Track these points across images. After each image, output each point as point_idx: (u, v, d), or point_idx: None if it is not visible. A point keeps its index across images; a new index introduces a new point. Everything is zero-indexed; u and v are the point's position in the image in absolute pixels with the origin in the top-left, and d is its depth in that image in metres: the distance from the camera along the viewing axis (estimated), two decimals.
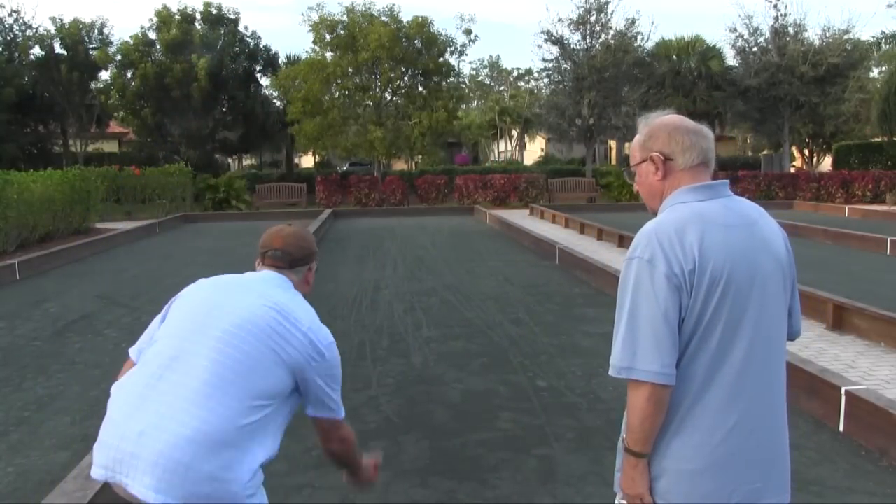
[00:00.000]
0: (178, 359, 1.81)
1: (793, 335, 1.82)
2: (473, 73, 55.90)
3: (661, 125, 1.76)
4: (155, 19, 25.29)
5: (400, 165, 32.70)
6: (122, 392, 1.84)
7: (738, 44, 25.31)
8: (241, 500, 1.75)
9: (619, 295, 1.66)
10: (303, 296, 2.07)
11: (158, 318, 2.00)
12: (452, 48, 24.45)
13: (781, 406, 1.70)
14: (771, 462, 1.66)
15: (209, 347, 1.80)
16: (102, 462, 1.77)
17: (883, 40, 27.02)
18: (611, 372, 1.63)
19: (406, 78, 24.38)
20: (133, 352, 1.99)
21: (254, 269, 2.12)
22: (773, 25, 24.57)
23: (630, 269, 1.63)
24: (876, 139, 28.78)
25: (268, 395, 1.81)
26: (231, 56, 26.15)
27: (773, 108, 24.72)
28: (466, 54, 56.63)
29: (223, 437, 1.72)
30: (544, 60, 25.83)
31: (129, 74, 24.66)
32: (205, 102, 24.64)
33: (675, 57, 26.25)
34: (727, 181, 1.75)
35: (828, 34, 24.42)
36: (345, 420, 2.05)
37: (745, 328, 1.61)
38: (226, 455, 1.72)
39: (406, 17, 25.85)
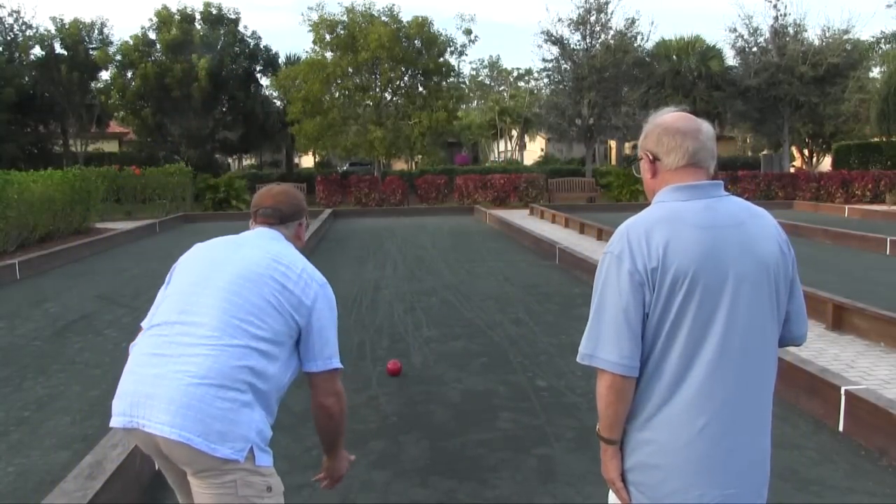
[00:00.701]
0: (186, 312, 1.94)
1: (794, 340, 1.81)
2: (473, 73, 55.94)
3: (654, 125, 1.78)
4: (155, 19, 25.31)
5: (400, 165, 32.73)
6: (138, 348, 1.96)
7: (738, 44, 25.35)
8: (253, 449, 1.85)
9: (593, 286, 1.73)
10: (297, 249, 2.20)
11: (162, 287, 2.12)
12: (452, 48, 24.46)
13: (762, 412, 1.69)
14: (746, 469, 1.65)
15: (215, 297, 1.93)
16: (120, 409, 1.88)
17: (882, 40, 27.01)
18: (577, 357, 1.70)
19: (406, 78, 24.38)
20: (145, 324, 2.09)
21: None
22: (772, 25, 24.59)
23: (603, 263, 1.70)
24: (875, 139, 28.78)
25: (271, 338, 1.93)
26: (231, 56, 26.15)
27: (773, 108, 24.74)
28: (466, 54, 56.69)
29: (233, 374, 1.84)
30: (544, 60, 25.88)
31: (129, 74, 24.67)
32: (205, 102, 24.65)
33: (674, 57, 26.27)
34: (720, 182, 1.74)
35: (827, 34, 24.46)
36: (340, 376, 2.11)
37: (715, 330, 1.62)
38: (235, 395, 1.83)
39: (406, 17, 25.91)
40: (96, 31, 26.10)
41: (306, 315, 2.01)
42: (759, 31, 24.92)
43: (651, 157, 1.77)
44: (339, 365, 2.08)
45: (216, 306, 1.92)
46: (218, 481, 1.84)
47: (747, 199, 1.80)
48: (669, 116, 1.77)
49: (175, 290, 2.03)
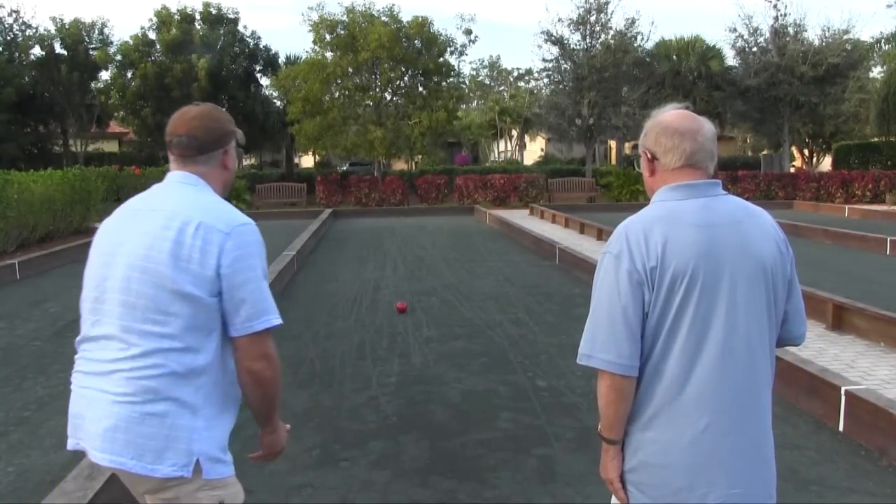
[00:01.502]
0: (96, 324, 1.74)
1: (792, 340, 1.80)
2: (473, 73, 55.92)
3: (654, 123, 1.77)
4: (155, 19, 25.33)
5: (400, 165, 32.72)
6: (75, 366, 1.85)
7: (738, 44, 25.32)
8: (199, 461, 1.67)
9: (593, 286, 1.73)
10: (225, 181, 1.87)
11: None
12: (452, 48, 24.47)
13: (763, 411, 1.68)
14: (751, 467, 1.65)
15: (113, 302, 1.70)
16: (68, 432, 1.80)
17: (882, 40, 27.00)
18: (577, 358, 1.70)
19: (406, 78, 24.38)
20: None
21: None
22: (772, 25, 24.57)
23: (601, 263, 1.70)
24: (875, 139, 28.78)
25: (186, 327, 1.66)
26: (231, 56, 26.17)
27: (773, 108, 24.73)
28: (466, 54, 56.77)
29: (155, 386, 1.64)
30: (544, 60, 25.84)
31: (129, 74, 24.69)
32: (205, 102, 24.64)
33: (674, 57, 26.26)
34: (717, 181, 1.73)
35: (828, 34, 24.44)
36: (272, 336, 1.75)
37: (714, 329, 1.62)
38: (166, 407, 1.64)
39: (406, 17, 25.95)
40: (96, 31, 26.14)
41: (214, 279, 1.67)
42: (759, 31, 24.92)
43: (650, 156, 1.76)
44: (263, 327, 1.71)
45: (115, 313, 1.69)
46: (163, 498, 1.71)
47: (747, 199, 1.80)
48: (670, 115, 1.76)
49: (84, 295, 1.79)
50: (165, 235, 1.68)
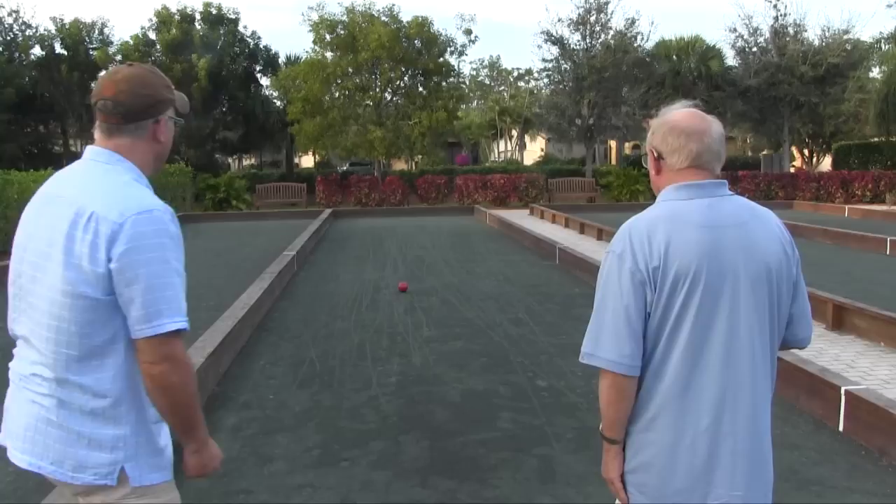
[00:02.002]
0: (15, 321, 1.65)
1: (798, 342, 1.79)
2: (473, 73, 55.87)
3: (661, 122, 1.76)
4: (155, 19, 25.35)
5: (400, 165, 32.74)
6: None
7: (738, 44, 25.32)
8: (125, 469, 1.57)
9: (596, 285, 1.73)
10: (156, 155, 1.71)
11: None
12: (452, 48, 24.49)
13: (763, 413, 1.68)
14: (751, 469, 1.65)
15: (23, 301, 1.62)
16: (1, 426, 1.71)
17: (882, 40, 27.00)
18: (579, 357, 1.70)
19: (406, 78, 24.40)
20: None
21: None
22: (772, 25, 24.57)
23: (605, 262, 1.70)
24: (875, 139, 28.78)
25: (88, 333, 1.53)
26: (231, 56, 26.18)
27: (773, 108, 24.72)
28: (466, 54, 56.62)
29: (67, 395, 1.55)
30: (544, 60, 25.85)
31: None
32: (205, 102, 24.66)
33: (674, 57, 26.25)
34: (723, 182, 1.72)
35: (827, 34, 24.44)
36: (181, 337, 1.55)
37: (717, 330, 1.61)
38: (82, 417, 1.55)
39: (406, 17, 25.86)
40: (96, 31, 26.17)
41: (106, 276, 1.50)
42: (759, 31, 24.91)
43: (656, 155, 1.75)
44: (154, 332, 1.49)
45: (27, 314, 1.61)
46: (91, 502, 1.62)
47: (748, 199, 1.78)
48: (679, 114, 1.74)
49: (8, 287, 1.69)
50: (60, 228, 1.53)
